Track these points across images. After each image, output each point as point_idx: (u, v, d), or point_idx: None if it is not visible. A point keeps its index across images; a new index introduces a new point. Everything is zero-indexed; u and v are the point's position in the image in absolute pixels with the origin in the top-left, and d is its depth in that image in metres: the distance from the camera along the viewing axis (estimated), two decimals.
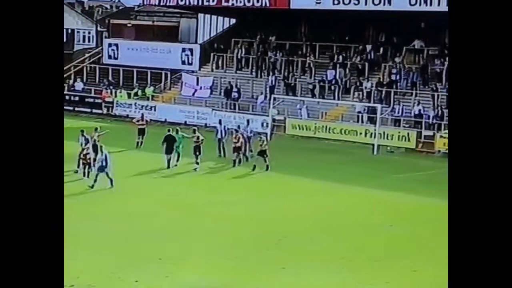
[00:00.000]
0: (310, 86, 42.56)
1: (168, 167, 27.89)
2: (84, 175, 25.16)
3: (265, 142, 28.94)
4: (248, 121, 33.91)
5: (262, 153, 28.49)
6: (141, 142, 32.42)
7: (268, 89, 42.85)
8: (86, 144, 26.16)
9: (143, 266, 15.66)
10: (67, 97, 47.80)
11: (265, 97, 42.17)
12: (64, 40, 73.41)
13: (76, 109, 46.78)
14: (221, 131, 31.36)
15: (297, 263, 16.37)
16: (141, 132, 32.61)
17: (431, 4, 36.30)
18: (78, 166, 25.80)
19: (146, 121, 33.61)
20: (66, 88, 49.15)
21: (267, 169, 27.94)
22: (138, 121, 33.41)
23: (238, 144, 28.78)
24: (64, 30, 74.52)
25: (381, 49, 42.90)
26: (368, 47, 43.34)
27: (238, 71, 46.18)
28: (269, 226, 19.85)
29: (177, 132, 29.18)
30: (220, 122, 32.52)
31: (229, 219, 20.42)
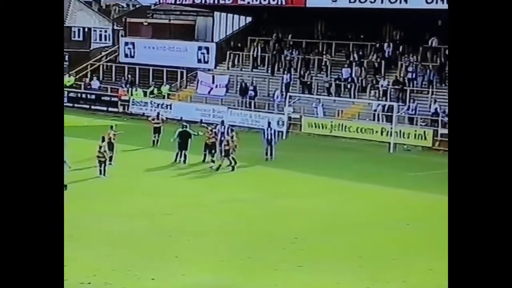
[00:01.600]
0: (326, 85, 42.49)
1: (185, 162, 28.29)
2: (100, 173, 25.24)
3: (230, 141, 27.66)
4: (269, 123, 32.59)
5: (226, 153, 27.51)
6: (157, 141, 32.50)
7: (284, 87, 42.80)
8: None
9: (160, 264, 15.70)
10: (83, 96, 48.03)
11: (282, 94, 42.10)
12: (81, 39, 73.90)
13: (93, 107, 46.97)
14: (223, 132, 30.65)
15: (313, 261, 16.36)
16: (157, 130, 32.70)
17: (447, 2, 36.13)
18: None
19: (162, 119, 33.67)
20: (82, 86, 49.40)
21: (232, 169, 27.33)
22: (153, 119, 33.51)
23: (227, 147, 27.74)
24: (81, 28, 75.04)
25: (398, 47, 42.75)
26: (385, 45, 43.19)
27: (254, 70, 46.17)
28: (285, 224, 19.84)
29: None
30: (222, 123, 32.07)
31: (244, 218, 20.43)
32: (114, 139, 27.36)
